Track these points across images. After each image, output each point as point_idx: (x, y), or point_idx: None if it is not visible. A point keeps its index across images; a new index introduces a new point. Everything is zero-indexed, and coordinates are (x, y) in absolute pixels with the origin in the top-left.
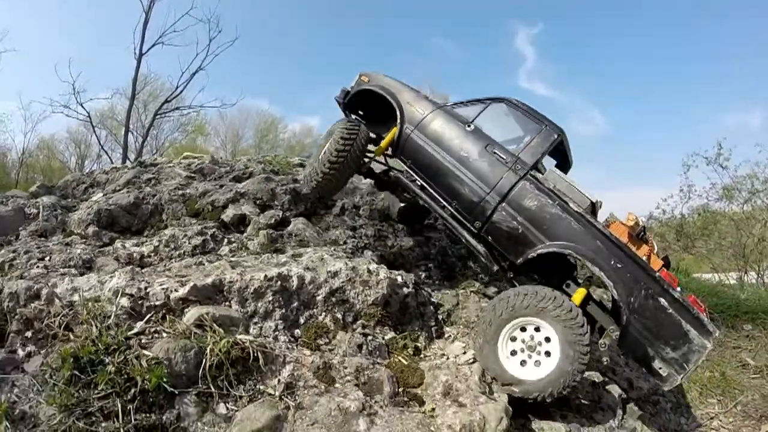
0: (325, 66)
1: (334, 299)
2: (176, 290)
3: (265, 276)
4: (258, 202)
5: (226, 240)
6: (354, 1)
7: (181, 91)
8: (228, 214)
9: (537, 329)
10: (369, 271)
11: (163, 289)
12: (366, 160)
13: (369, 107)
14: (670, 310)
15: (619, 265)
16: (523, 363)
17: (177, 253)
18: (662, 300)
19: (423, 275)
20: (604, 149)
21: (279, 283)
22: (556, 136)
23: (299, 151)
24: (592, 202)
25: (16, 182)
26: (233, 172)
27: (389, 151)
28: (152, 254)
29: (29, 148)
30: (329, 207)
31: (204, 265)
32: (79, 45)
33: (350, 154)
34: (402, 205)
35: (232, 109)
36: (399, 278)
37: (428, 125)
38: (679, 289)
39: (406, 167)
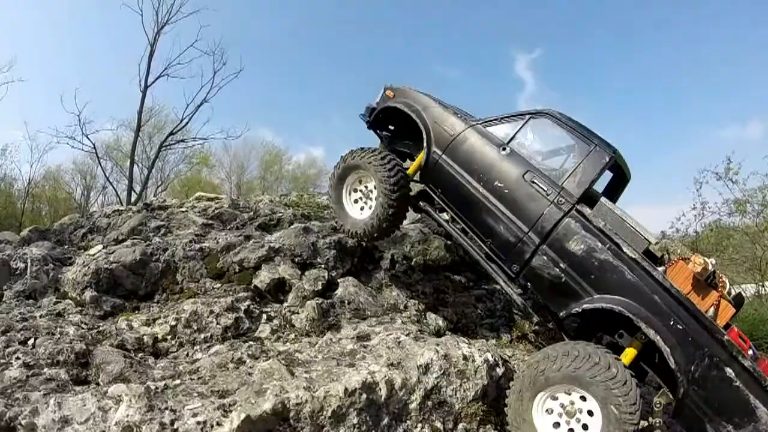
0: (327, 93)
1: (430, 403)
2: (219, 424)
3: (346, 390)
4: (297, 260)
5: (264, 316)
6: (355, 30)
7: (186, 124)
8: (263, 279)
9: (583, 398)
10: (464, 357)
11: (198, 423)
12: None
13: (398, 122)
14: (737, 383)
15: (679, 327)
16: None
17: (202, 336)
18: (729, 370)
19: (490, 336)
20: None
21: (364, 396)
22: (607, 159)
23: (303, 182)
24: (650, 242)
25: (22, 212)
26: (258, 218)
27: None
28: (168, 337)
29: (35, 179)
30: (377, 260)
31: (245, 363)
32: (85, 74)
33: (402, 197)
34: None
35: (236, 141)
36: (489, 356)
37: (458, 148)
38: (751, 352)
39: (435, 197)
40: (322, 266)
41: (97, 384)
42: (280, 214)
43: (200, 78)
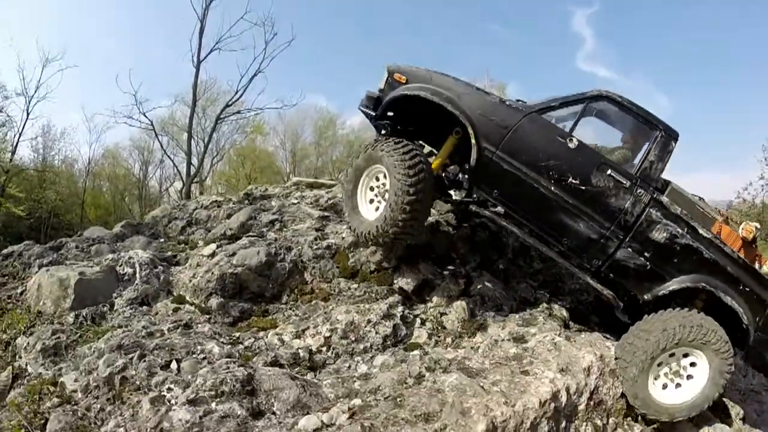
0: (378, 56)
1: (591, 403)
2: None
3: (540, 401)
4: (433, 256)
5: (418, 320)
6: None
7: (241, 95)
8: (408, 281)
9: (685, 355)
10: (616, 357)
11: None
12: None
13: (404, 110)
14: None
15: (747, 289)
16: (665, 386)
17: (361, 346)
18: None
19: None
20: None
21: (552, 405)
22: (674, 144)
23: (359, 147)
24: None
25: (84, 190)
26: None
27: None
28: (324, 349)
29: (95, 158)
30: (501, 250)
31: (425, 377)
32: (139, 55)
33: (425, 192)
34: None
35: (290, 108)
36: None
37: (517, 143)
38: None
39: (490, 199)
40: (457, 261)
41: (273, 413)
42: None
43: (252, 49)
